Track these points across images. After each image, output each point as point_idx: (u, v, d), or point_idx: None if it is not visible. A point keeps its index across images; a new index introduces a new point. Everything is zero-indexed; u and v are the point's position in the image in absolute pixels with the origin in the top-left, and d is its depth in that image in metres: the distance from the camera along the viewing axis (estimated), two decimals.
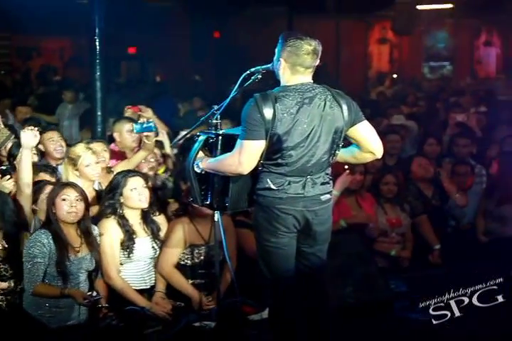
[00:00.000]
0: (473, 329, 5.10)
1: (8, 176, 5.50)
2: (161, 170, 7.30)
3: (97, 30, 7.24)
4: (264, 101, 4.32)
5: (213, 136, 4.66)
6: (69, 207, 5.21)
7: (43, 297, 5.15)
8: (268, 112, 4.30)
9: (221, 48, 18.57)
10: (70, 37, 18.12)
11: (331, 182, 4.60)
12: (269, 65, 4.66)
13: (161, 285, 5.80)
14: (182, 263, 5.84)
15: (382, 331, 5.47)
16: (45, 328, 5.13)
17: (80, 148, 6.11)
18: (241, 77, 4.75)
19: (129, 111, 7.35)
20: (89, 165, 6.00)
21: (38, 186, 5.55)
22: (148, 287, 5.80)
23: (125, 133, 7.06)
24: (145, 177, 5.90)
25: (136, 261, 5.73)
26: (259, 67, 4.73)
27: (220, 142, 4.63)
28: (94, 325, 5.24)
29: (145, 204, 5.72)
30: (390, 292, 6.03)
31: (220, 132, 4.66)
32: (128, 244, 5.66)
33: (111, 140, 7.32)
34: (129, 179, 5.69)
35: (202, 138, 4.71)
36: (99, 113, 7.34)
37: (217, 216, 4.95)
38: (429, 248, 7.33)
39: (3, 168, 5.65)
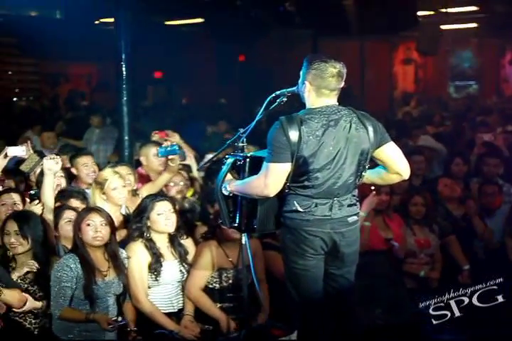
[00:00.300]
0: (473, 329, 5.06)
1: (37, 201, 5.58)
2: (189, 193, 7.34)
3: (123, 56, 7.32)
4: (289, 123, 4.35)
5: (241, 158, 4.69)
6: (94, 232, 5.26)
7: (69, 321, 5.18)
8: (294, 135, 4.32)
9: (247, 71, 18.67)
10: (96, 62, 18.31)
11: (357, 203, 4.60)
12: (294, 88, 4.69)
13: (190, 308, 5.80)
14: (210, 286, 5.85)
15: None
16: None
17: (107, 172, 6.18)
18: (266, 100, 4.78)
19: (156, 136, 7.41)
20: (116, 189, 6.04)
21: (58, 211, 5.62)
22: (175, 310, 5.81)
23: (151, 156, 7.12)
24: (173, 201, 5.91)
25: (163, 284, 5.74)
26: (284, 90, 4.76)
27: (247, 164, 4.66)
28: None
29: (171, 229, 5.74)
30: (419, 314, 5.99)
31: (248, 154, 4.69)
32: (155, 266, 5.67)
33: (138, 164, 7.38)
34: (156, 203, 5.71)
35: (230, 160, 4.74)
36: (126, 137, 7.40)
37: (244, 239, 4.97)
38: (458, 268, 7.28)
39: (32, 192, 5.74)
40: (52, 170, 5.62)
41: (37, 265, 5.17)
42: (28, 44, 14.83)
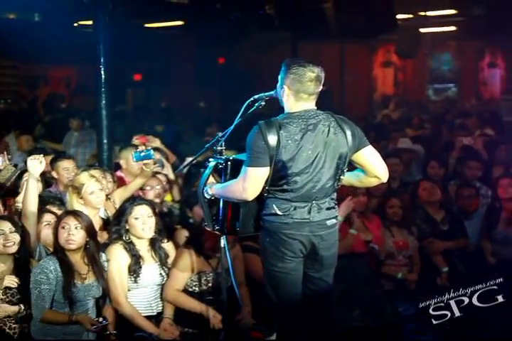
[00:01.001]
0: (473, 329, 5.08)
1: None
2: (168, 197, 7.34)
3: (102, 59, 7.29)
4: (268, 128, 4.37)
5: (222, 161, 4.72)
6: (67, 234, 5.27)
7: (51, 323, 5.18)
8: (272, 139, 4.35)
9: (226, 74, 18.67)
10: (76, 65, 18.21)
11: (336, 207, 4.65)
12: (272, 92, 4.71)
13: (169, 311, 5.81)
14: (190, 290, 5.85)
15: None
16: None
17: (83, 177, 6.13)
18: (245, 104, 4.80)
19: (136, 142, 7.40)
20: (94, 193, 6.01)
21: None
22: (154, 313, 5.82)
23: (131, 160, 7.10)
24: (152, 206, 5.90)
25: (143, 287, 5.75)
26: (262, 94, 4.79)
27: (229, 167, 4.69)
28: None
29: (148, 235, 5.73)
30: (397, 315, 6.03)
31: (230, 157, 4.72)
32: (135, 268, 5.68)
33: (117, 167, 7.37)
34: (134, 207, 5.72)
35: (212, 164, 4.78)
36: (105, 141, 7.35)
37: (223, 242, 4.99)
38: (437, 271, 7.32)
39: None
40: (36, 171, 5.55)
41: (16, 280, 5.16)
42: (7, 46, 14.74)
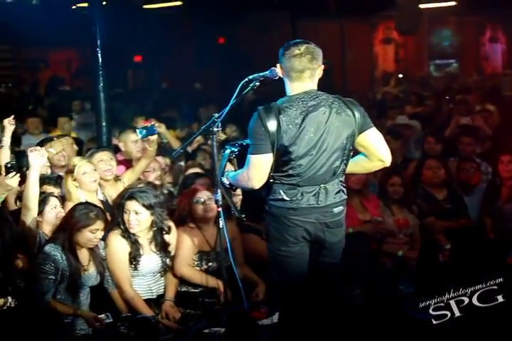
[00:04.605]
0: (473, 329, 5.09)
1: (13, 173, 5.20)
2: None
3: (98, 42, 7.28)
4: (267, 114, 4.34)
5: (235, 149, 4.69)
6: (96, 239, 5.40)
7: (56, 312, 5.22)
8: (272, 125, 4.31)
9: (226, 54, 18.62)
10: (75, 48, 18.20)
11: (344, 190, 4.57)
12: (266, 72, 4.68)
13: (170, 293, 5.84)
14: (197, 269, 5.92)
15: (392, 332, 5.47)
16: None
17: (75, 159, 6.21)
18: (239, 85, 4.77)
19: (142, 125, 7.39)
20: (86, 173, 6.04)
21: (41, 198, 5.53)
22: (154, 297, 5.85)
23: (130, 143, 7.13)
24: (144, 200, 5.69)
25: (142, 275, 5.78)
26: (256, 75, 4.75)
27: (240, 153, 4.65)
28: (104, 333, 5.29)
29: (133, 230, 5.70)
30: (398, 293, 6.05)
31: (244, 143, 4.65)
32: (135, 255, 5.69)
33: (116, 150, 7.38)
34: (125, 202, 5.71)
35: (227, 151, 4.73)
36: (103, 123, 7.36)
37: (221, 223, 5.00)
38: (438, 248, 7.32)
39: (9, 165, 5.45)
40: (37, 163, 5.33)
41: (10, 300, 5.03)
42: (6, 31, 14.73)
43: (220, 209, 5.07)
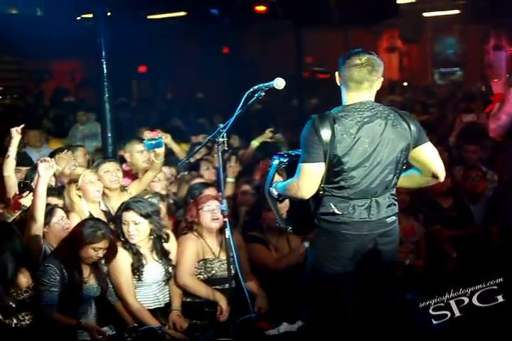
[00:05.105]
0: (473, 329, 5.08)
1: (27, 192, 5.30)
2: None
3: (103, 53, 7.30)
4: (321, 122, 4.23)
5: (285, 159, 4.59)
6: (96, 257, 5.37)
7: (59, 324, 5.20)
8: (326, 134, 4.20)
9: (230, 64, 18.67)
10: (80, 58, 18.27)
11: (396, 203, 4.47)
12: (271, 82, 4.71)
13: (176, 302, 5.85)
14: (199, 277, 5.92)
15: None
16: None
17: (79, 169, 6.28)
18: (244, 95, 4.79)
19: (148, 136, 7.37)
20: (92, 182, 6.07)
21: (47, 210, 5.52)
22: (162, 305, 5.85)
23: (135, 153, 7.13)
24: (142, 210, 5.73)
25: (147, 285, 5.78)
26: (261, 85, 4.77)
27: (290, 164, 4.54)
28: None
29: (133, 240, 5.71)
30: (405, 302, 6.02)
31: (293, 154, 4.57)
32: (137, 266, 5.70)
33: (122, 161, 7.39)
34: (122, 213, 5.73)
35: (275, 162, 4.64)
36: (109, 134, 7.38)
37: (228, 233, 5.02)
38: (444, 257, 7.30)
39: (21, 184, 5.55)
40: (46, 174, 5.32)
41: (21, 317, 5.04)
42: (11, 42, 14.77)
43: (226, 219, 5.10)
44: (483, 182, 7.88)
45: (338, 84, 4.46)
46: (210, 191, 6.48)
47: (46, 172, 5.31)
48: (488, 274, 4.81)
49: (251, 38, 17.43)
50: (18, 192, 5.36)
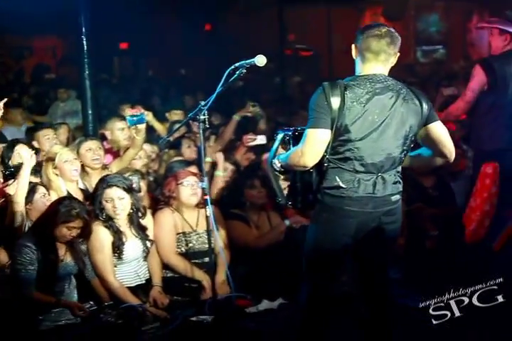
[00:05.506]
0: (473, 329, 5.10)
1: (12, 180, 5.40)
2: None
3: (83, 30, 7.23)
4: (332, 89, 4.16)
5: (290, 133, 4.53)
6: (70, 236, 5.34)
7: (39, 303, 5.21)
8: (336, 100, 4.13)
9: (212, 41, 18.55)
10: (61, 35, 18.10)
11: (401, 181, 4.42)
12: (252, 60, 4.68)
13: (157, 278, 5.87)
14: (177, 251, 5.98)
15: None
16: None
17: (56, 147, 6.25)
18: (226, 73, 4.76)
19: (129, 113, 7.32)
20: (68, 161, 6.07)
21: (30, 187, 5.53)
22: (143, 282, 5.86)
23: (116, 131, 7.12)
24: (125, 186, 5.73)
25: (127, 262, 5.78)
26: (243, 62, 4.73)
27: (294, 138, 4.46)
28: (91, 322, 5.28)
29: (120, 216, 5.71)
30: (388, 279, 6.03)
31: (298, 128, 4.50)
32: (118, 244, 5.69)
33: (103, 138, 7.36)
34: (105, 190, 5.70)
35: (280, 136, 4.57)
36: (90, 111, 7.32)
37: (209, 211, 5.02)
38: (425, 235, 7.32)
39: (7, 172, 5.63)
40: (30, 162, 5.44)
41: None
42: None
43: (206, 196, 5.09)
44: (463, 161, 7.90)
45: (354, 57, 4.40)
46: (191, 169, 6.47)
47: (31, 160, 5.41)
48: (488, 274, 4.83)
49: (233, 15, 17.31)
50: (2, 180, 5.47)
